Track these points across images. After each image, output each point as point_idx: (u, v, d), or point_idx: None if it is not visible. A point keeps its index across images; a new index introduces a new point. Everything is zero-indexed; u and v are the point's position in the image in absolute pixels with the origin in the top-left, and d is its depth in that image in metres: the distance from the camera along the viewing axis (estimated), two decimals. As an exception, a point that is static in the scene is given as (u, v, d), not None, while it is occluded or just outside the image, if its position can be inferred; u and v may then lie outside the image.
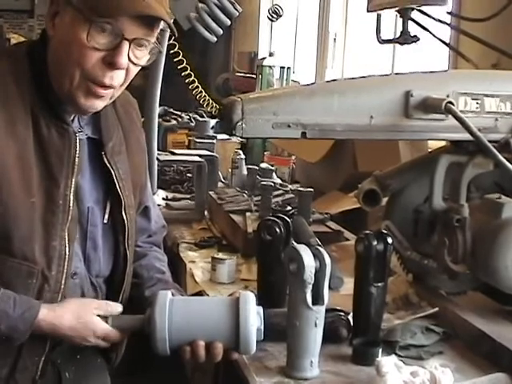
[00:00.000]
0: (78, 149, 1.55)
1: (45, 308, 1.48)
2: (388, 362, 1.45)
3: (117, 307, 1.55)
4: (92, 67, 1.46)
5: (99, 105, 1.53)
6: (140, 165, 1.77)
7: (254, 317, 1.49)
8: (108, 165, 1.62)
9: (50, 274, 1.51)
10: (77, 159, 1.55)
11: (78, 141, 1.56)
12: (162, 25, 1.50)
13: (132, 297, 1.72)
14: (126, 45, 1.45)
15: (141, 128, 1.82)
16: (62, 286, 1.53)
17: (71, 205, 1.54)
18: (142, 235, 1.85)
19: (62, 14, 1.48)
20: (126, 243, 1.67)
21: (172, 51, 3.26)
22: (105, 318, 1.53)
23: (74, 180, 1.54)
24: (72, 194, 1.54)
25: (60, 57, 1.50)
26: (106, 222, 1.65)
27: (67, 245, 1.53)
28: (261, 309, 1.52)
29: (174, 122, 4.43)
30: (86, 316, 1.50)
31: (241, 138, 1.79)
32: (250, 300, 1.51)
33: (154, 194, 2.85)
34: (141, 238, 1.84)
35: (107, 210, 1.65)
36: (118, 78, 1.49)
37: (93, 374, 1.60)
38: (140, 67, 1.52)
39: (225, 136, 3.90)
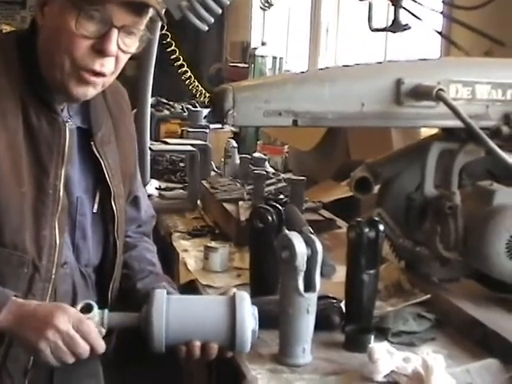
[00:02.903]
0: (67, 138, 1.55)
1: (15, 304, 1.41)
2: (380, 349, 1.45)
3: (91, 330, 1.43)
4: (81, 55, 1.45)
5: (91, 92, 1.53)
6: (130, 154, 1.76)
7: (249, 318, 1.49)
8: (97, 154, 1.61)
9: (41, 264, 1.51)
10: (66, 149, 1.55)
11: (67, 130, 1.56)
12: (151, 12, 1.49)
13: (123, 289, 1.72)
14: (114, 32, 1.45)
15: (131, 118, 1.82)
16: (53, 276, 1.53)
17: (61, 195, 1.54)
18: (131, 225, 1.84)
19: (51, 4, 1.48)
20: (116, 233, 1.67)
21: (164, 41, 3.26)
22: (101, 316, 1.48)
23: (63, 170, 1.54)
24: (62, 184, 1.54)
25: (50, 46, 1.49)
26: (95, 211, 1.65)
27: (57, 234, 1.53)
28: (255, 309, 1.52)
29: (166, 112, 4.43)
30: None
31: (232, 126, 1.79)
32: (245, 301, 1.51)
33: (146, 183, 2.86)
34: (131, 227, 1.84)
35: (96, 200, 1.65)
36: (108, 66, 1.49)
37: (84, 362, 1.60)
38: (130, 55, 1.52)
39: (217, 125, 3.90)
